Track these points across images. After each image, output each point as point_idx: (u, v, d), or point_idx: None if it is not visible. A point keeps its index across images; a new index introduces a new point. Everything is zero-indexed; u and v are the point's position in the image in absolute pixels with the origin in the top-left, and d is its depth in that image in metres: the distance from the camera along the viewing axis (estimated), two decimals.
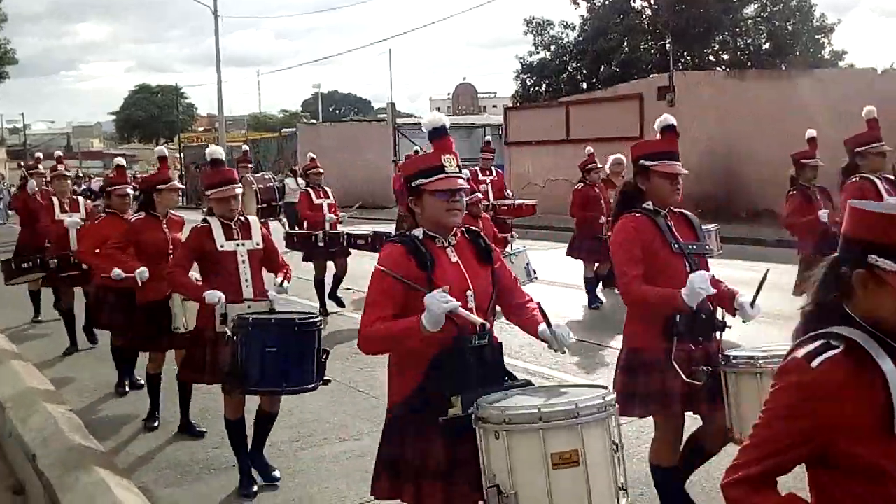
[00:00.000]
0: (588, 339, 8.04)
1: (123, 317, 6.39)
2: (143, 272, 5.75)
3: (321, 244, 9.69)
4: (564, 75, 33.17)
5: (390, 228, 11.93)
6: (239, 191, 4.94)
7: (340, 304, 10.05)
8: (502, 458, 2.63)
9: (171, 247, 5.83)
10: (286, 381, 4.34)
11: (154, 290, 5.72)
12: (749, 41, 31.88)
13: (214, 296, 4.65)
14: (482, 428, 2.69)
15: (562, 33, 33.58)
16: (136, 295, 5.94)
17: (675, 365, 3.46)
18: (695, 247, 3.70)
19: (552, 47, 33.66)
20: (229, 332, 4.42)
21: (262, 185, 11.63)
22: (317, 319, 4.49)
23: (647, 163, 3.69)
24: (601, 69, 31.48)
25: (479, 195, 8.33)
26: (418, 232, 3.00)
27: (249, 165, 12.99)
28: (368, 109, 76.73)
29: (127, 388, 6.89)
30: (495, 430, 2.65)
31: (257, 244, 4.94)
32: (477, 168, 11.32)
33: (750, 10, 31.40)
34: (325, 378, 4.49)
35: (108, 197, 7.16)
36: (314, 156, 10.77)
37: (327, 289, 9.96)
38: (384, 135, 30.24)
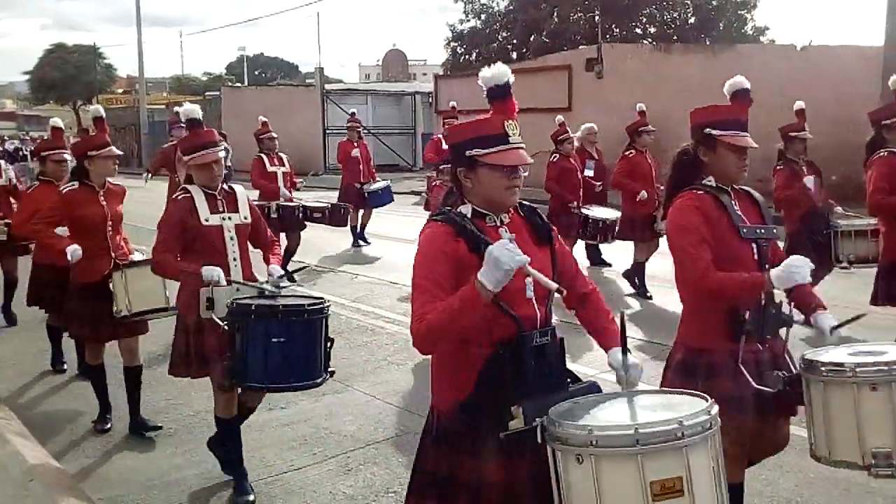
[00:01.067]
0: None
1: (59, 295, 5.70)
2: (75, 250, 5.01)
3: (273, 216, 9.07)
4: (495, 44, 33.18)
5: (332, 198, 11.80)
6: (222, 154, 4.35)
7: (291, 279, 9.77)
8: (587, 487, 2.17)
9: (110, 221, 5.15)
10: (293, 376, 3.85)
11: (91, 271, 5.04)
12: (675, 15, 32.41)
13: (212, 272, 3.99)
14: (559, 449, 2.23)
15: (492, 2, 33.56)
16: (71, 275, 5.23)
17: (743, 369, 3.00)
18: (763, 230, 3.19)
19: (483, 16, 33.60)
20: (221, 320, 3.90)
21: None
22: (327, 304, 3.96)
23: (715, 132, 3.20)
24: (531, 39, 31.57)
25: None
26: (466, 209, 2.57)
27: (182, 125, 12.28)
28: (296, 74, 75.28)
29: (65, 365, 6.49)
30: (577, 454, 2.18)
31: (245, 218, 4.33)
32: (440, 136, 10.98)
33: None
34: (331, 369, 4.00)
35: (43, 163, 6.40)
36: (265, 119, 10.26)
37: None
38: (312, 100, 29.79)
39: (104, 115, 5.70)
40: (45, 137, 8.85)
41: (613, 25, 30.67)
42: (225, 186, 4.33)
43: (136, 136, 39.10)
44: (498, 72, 2.59)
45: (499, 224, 2.58)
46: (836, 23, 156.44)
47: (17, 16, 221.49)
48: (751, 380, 2.96)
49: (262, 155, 9.61)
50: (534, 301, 2.53)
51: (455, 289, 2.38)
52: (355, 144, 12.24)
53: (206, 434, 5.07)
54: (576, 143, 9.40)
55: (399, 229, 13.42)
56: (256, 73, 73.37)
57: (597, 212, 9.18)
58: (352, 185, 12.04)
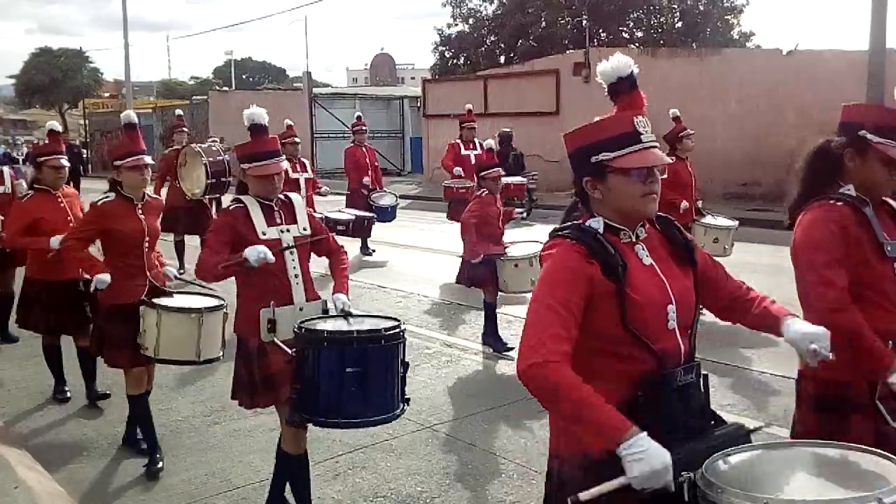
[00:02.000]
0: None
1: (49, 315, 5.59)
2: (102, 281, 4.60)
3: None
4: (483, 49, 33.22)
5: (328, 204, 11.42)
6: (285, 165, 3.96)
7: None
8: None
9: (147, 237, 4.74)
10: (370, 409, 3.43)
11: (125, 291, 4.60)
12: (662, 19, 32.55)
13: (257, 251, 3.57)
14: None
15: (480, 6, 33.60)
16: (99, 295, 4.78)
17: (881, 406, 2.62)
18: None
19: (471, 20, 33.63)
20: (289, 349, 3.47)
21: (210, 158, 9.61)
22: (403, 327, 3.53)
23: (871, 137, 2.70)
24: (519, 43, 31.63)
25: (499, 169, 7.00)
26: (596, 223, 2.20)
27: (185, 131, 10.87)
28: (283, 78, 75.17)
29: (69, 393, 5.93)
30: None
31: (304, 229, 3.88)
32: (458, 141, 10.60)
33: None
34: (406, 396, 3.57)
35: (39, 169, 5.75)
36: (291, 122, 9.90)
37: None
38: (300, 105, 29.71)
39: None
40: (38, 142, 8.44)
41: (601, 30, 30.78)
42: (281, 196, 3.90)
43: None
44: (620, 63, 2.28)
45: (634, 240, 2.23)
46: (821, 28, 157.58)
47: (1, 19, 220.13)
48: (889, 418, 2.58)
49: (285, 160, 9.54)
50: (677, 332, 2.16)
51: (583, 318, 2.06)
52: (363, 149, 11.68)
53: (192, 440, 5.06)
54: (484, 145, 8.87)
55: (399, 235, 13.34)
56: (244, 77, 73.24)
57: None
58: (359, 191, 11.43)
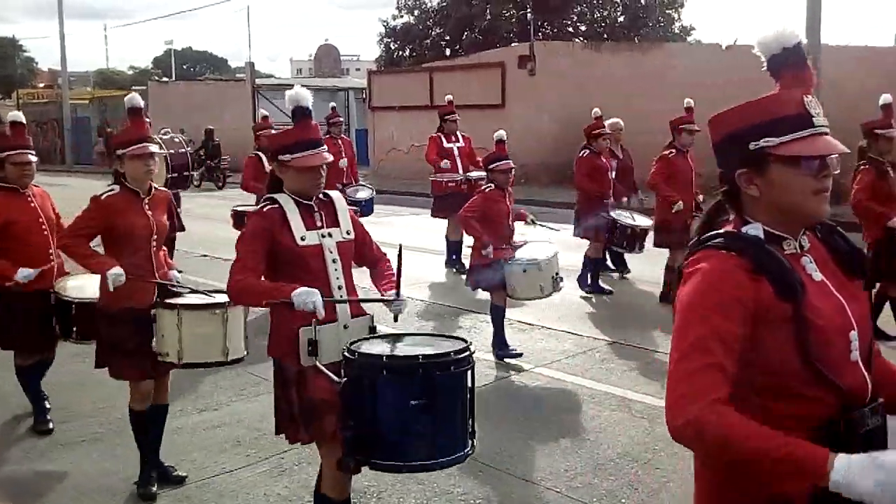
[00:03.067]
0: (612, 337, 6.96)
1: (19, 330, 4.97)
2: (117, 276, 4.07)
3: None
4: (428, 41, 33.18)
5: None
6: (330, 158, 3.37)
7: None
8: None
9: (155, 234, 4.28)
10: (437, 449, 2.88)
11: (132, 294, 4.14)
12: (605, 13, 32.92)
13: (307, 297, 3.05)
14: None
15: None
16: (101, 301, 4.30)
17: None
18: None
19: (416, 12, 33.55)
20: (333, 371, 3.01)
21: (172, 150, 8.96)
22: (472, 350, 2.99)
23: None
24: (464, 36, 31.67)
25: (510, 161, 6.51)
26: (755, 229, 1.78)
27: (147, 120, 10.62)
28: (225, 69, 73.98)
29: (51, 424, 5.21)
30: None
31: (347, 233, 3.35)
32: (440, 134, 10.05)
33: None
34: (473, 429, 3.00)
35: (0, 166, 5.09)
36: (267, 114, 9.29)
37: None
38: (242, 95, 29.29)
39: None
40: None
41: (545, 23, 30.98)
42: (320, 194, 3.37)
43: (58, 132, 37.85)
44: (784, 32, 1.86)
45: (800, 251, 1.81)
46: (759, 23, 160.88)
47: None
48: None
49: (260, 153, 8.57)
50: (860, 364, 1.76)
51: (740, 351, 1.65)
52: (339, 142, 10.81)
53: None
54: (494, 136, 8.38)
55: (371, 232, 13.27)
56: (184, 67, 71.86)
57: (627, 217, 8.40)
58: (333, 186, 10.89)
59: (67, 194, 7.70)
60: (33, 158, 4.95)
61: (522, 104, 20.45)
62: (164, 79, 45.15)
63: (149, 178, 4.29)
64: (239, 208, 8.81)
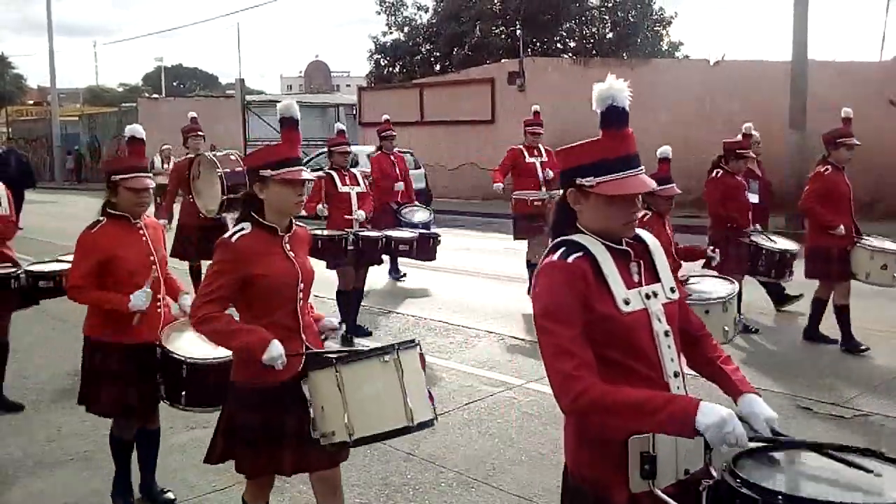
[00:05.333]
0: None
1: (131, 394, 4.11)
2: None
3: (351, 248, 7.18)
4: (418, 57, 33.31)
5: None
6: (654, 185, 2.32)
7: (366, 332, 7.82)
8: None
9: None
10: None
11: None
12: (594, 30, 33.14)
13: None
14: None
15: (415, 14, 33.72)
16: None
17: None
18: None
19: (405, 28, 33.70)
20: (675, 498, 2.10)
21: (227, 169, 7.96)
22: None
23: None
24: (454, 52, 31.81)
25: (674, 186, 5.74)
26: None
27: (202, 135, 8.87)
28: (216, 85, 74.10)
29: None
30: None
31: (672, 291, 2.33)
32: (522, 147, 9.11)
33: None
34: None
35: (113, 191, 4.30)
36: (343, 128, 8.28)
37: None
38: (232, 112, 29.31)
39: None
40: None
41: (534, 39, 31.16)
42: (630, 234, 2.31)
43: (48, 149, 37.76)
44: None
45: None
46: (746, 40, 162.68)
47: None
48: None
49: (332, 172, 7.57)
50: None
51: None
52: (392, 158, 9.90)
53: None
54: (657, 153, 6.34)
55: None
56: (175, 84, 71.96)
57: (769, 241, 7.31)
58: (387, 205, 9.53)
59: (57, 211, 7.68)
60: (151, 184, 4.15)
61: (512, 120, 20.51)
62: (155, 96, 45.16)
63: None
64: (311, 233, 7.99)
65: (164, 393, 3.97)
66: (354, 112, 28.17)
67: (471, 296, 9.51)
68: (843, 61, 16.13)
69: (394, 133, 9.88)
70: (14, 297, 5.49)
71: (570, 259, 2.18)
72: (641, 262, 2.30)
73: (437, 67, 31.92)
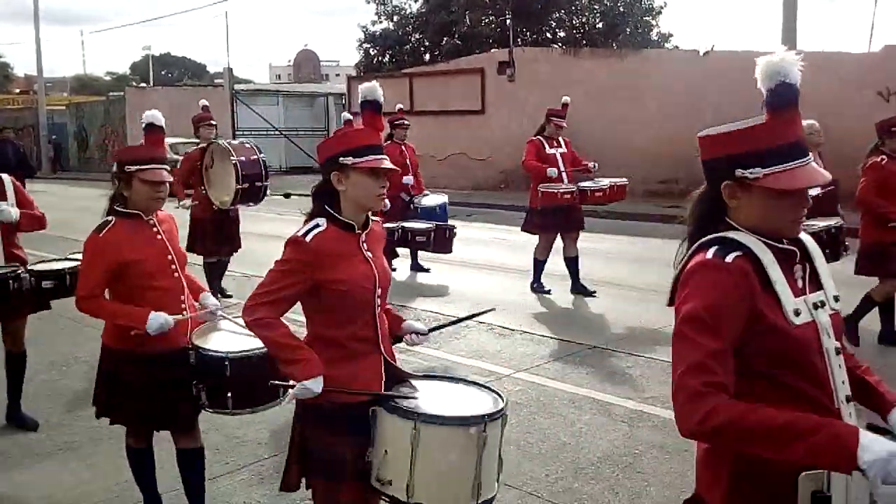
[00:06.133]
0: (593, 342, 7.00)
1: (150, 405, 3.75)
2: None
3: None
4: (407, 46, 33.19)
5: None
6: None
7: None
8: None
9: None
10: None
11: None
12: (583, 20, 33.08)
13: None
14: None
15: (404, 4, 33.58)
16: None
17: None
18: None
19: (395, 17, 33.56)
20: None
21: (243, 158, 7.64)
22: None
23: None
24: (443, 42, 31.71)
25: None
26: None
27: (214, 124, 8.64)
28: (204, 74, 73.72)
29: None
30: None
31: (836, 300, 2.06)
32: (541, 138, 8.72)
33: None
34: None
35: (126, 184, 4.04)
36: (350, 117, 7.95)
37: None
38: (221, 101, 29.13)
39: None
40: None
41: (524, 29, 31.09)
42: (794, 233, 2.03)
43: (35, 139, 37.49)
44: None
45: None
46: (736, 30, 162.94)
47: None
48: None
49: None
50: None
51: None
52: (402, 148, 9.54)
53: (111, 445, 4.88)
54: None
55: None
56: (163, 73, 71.52)
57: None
58: (398, 196, 9.19)
59: (46, 201, 7.61)
60: (169, 177, 3.75)
61: (502, 109, 20.52)
62: (143, 85, 44.86)
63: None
64: None
65: (205, 400, 3.46)
66: (343, 101, 28.05)
67: (459, 285, 9.51)
68: (832, 52, 16.16)
69: (407, 123, 9.57)
70: (23, 301, 4.90)
71: (728, 258, 1.87)
72: (806, 265, 2.01)
73: (427, 57, 31.81)
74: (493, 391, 2.84)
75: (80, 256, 4.75)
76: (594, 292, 8.75)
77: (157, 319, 3.49)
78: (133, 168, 3.60)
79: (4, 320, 5.15)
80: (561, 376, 6.17)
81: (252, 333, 3.08)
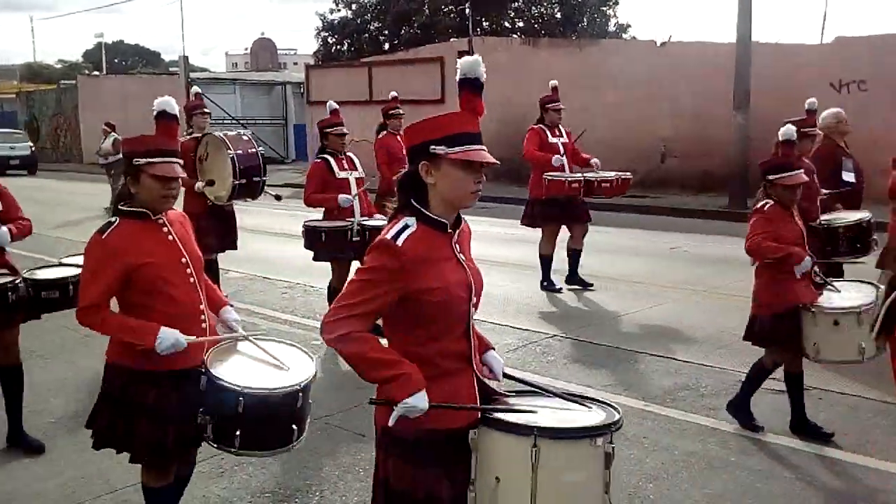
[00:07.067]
0: (553, 331, 7.26)
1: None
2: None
3: (356, 238, 6.45)
4: (366, 35, 33.00)
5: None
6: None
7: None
8: None
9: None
10: None
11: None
12: (542, 9, 33.20)
13: None
14: None
15: None
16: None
17: None
18: None
19: (353, 6, 33.33)
20: None
21: (239, 150, 7.07)
22: None
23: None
24: (403, 31, 31.59)
25: (801, 173, 4.78)
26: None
27: (208, 113, 8.08)
28: (158, 62, 72.52)
29: None
30: None
31: None
32: (542, 126, 8.35)
33: None
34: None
35: (134, 179, 3.61)
36: (337, 106, 7.32)
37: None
38: (176, 90, 28.67)
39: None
40: None
41: (483, 19, 31.10)
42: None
43: None
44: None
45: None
46: (692, 21, 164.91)
47: None
48: None
49: (328, 156, 6.78)
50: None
51: None
52: (399, 140, 8.87)
53: (67, 441, 4.80)
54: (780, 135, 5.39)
55: None
56: (115, 61, 70.18)
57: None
58: (393, 189, 8.92)
59: (33, 194, 7.36)
60: (182, 172, 3.35)
61: None
62: (95, 73, 43.97)
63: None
64: (312, 224, 6.72)
65: (211, 433, 3.04)
66: (302, 90, 27.79)
67: None
68: (786, 44, 16.43)
69: (402, 112, 8.97)
70: (15, 311, 4.57)
71: None
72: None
73: (386, 46, 31.66)
74: (601, 403, 2.52)
75: (77, 261, 4.47)
76: (591, 284, 8.50)
77: (168, 338, 3.08)
78: (142, 161, 3.17)
79: None
80: (522, 365, 6.18)
81: (278, 363, 3.01)
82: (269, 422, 3.01)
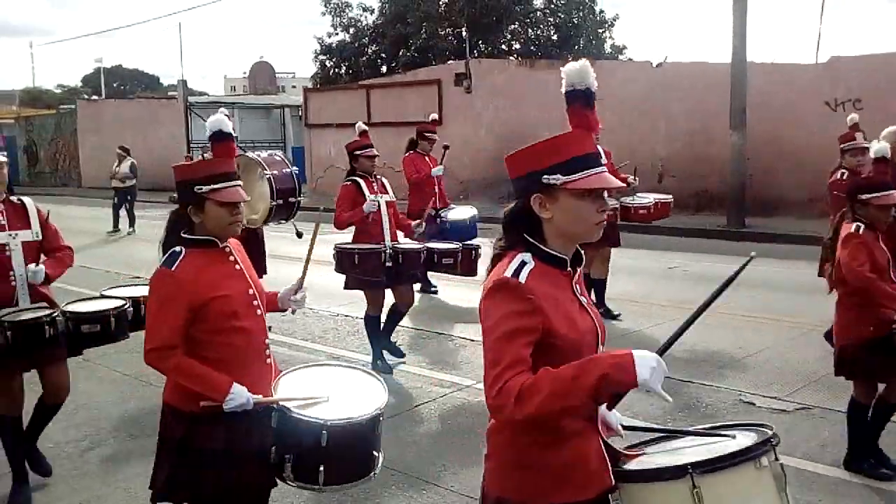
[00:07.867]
0: None
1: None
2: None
3: (389, 263, 6.33)
4: (364, 58, 33.19)
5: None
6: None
7: (400, 353, 6.97)
8: None
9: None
10: None
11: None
12: (538, 32, 33.43)
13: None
14: None
15: (360, 16, 33.58)
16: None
17: None
18: None
19: (351, 29, 33.54)
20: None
21: (275, 171, 6.85)
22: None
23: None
24: (400, 53, 31.77)
25: (893, 192, 4.40)
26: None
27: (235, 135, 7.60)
28: (157, 86, 72.89)
29: None
30: None
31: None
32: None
33: (538, 2, 32.94)
34: None
35: (198, 207, 3.39)
36: (366, 128, 7.30)
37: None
38: (175, 114, 28.81)
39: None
40: None
41: (480, 41, 31.30)
42: None
43: None
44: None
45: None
46: (688, 42, 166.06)
47: None
48: None
49: (358, 178, 6.62)
50: None
51: None
52: (427, 159, 9.08)
53: (65, 468, 4.79)
54: (872, 152, 5.23)
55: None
56: (115, 85, 70.54)
57: None
58: (422, 211, 8.18)
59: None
60: (246, 196, 3.13)
61: (459, 121, 20.58)
62: (94, 97, 44.16)
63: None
64: (344, 246, 6.46)
65: (290, 472, 2.88)
66: (300, 113, 27.91)
67: (417, 298, 9.49)
68: (782, 63, 16.53)
69: (436, 137, 8.87)
70: (56, 346, 4.28)
71: None
72: None
73: (384, 69, 31.84)
74: (740, 426, 2.25)
75: (115, 293, 4.43)
76: (618, 315, 8.15)
77: (239, 398, 2.85)
78: (205, 189, 2.95)
79: (40, 369, 4.43)
80: None
81: (343, 389, 2.91)
82: (353, 452, 2.89)
